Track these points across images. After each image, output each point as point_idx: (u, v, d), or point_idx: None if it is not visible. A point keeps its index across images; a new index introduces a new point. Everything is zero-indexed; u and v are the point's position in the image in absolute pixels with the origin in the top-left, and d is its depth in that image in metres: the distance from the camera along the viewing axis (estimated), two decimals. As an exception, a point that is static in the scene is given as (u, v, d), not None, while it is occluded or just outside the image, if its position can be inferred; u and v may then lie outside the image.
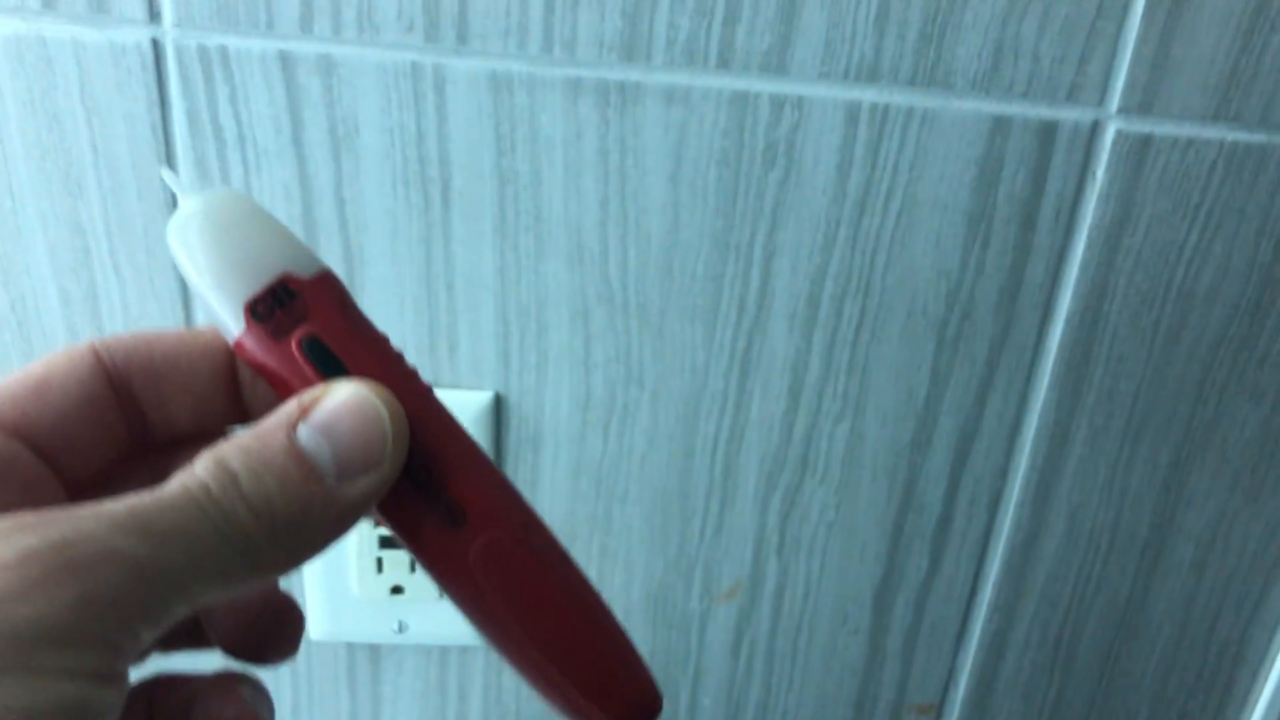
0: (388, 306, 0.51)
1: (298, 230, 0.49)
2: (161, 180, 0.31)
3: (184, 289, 0.51)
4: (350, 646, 0.60)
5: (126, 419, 0.26)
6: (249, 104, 0.47)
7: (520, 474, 0.55)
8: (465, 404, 0.53)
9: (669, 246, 0.49)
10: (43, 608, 0.18)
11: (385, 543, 0.56)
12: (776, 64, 0.45)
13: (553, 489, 0.56)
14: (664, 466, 0.55)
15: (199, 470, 0.22)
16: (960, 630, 0.59)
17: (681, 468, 0.55)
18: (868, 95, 0.46)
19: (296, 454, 0.22)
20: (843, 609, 0.58)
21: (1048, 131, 0.47)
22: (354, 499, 0.23)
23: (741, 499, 0.55)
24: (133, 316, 0.52)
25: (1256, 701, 0.60)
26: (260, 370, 0.25)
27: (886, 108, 0.46)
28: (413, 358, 0.52)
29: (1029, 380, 0.52)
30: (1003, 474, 0.54)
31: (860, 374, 0.52)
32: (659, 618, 0.59)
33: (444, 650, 0.61)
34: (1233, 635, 0.59)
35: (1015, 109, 0.46)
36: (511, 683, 0.61)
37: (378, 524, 0.25)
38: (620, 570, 0.58)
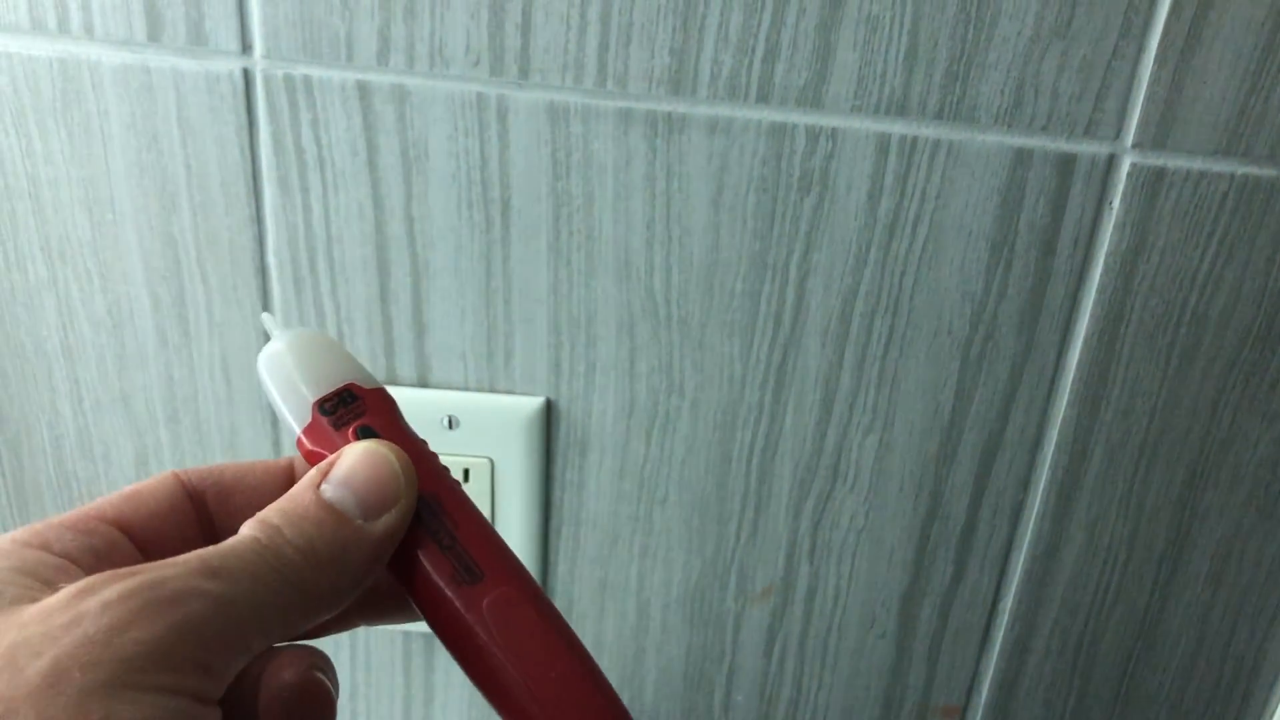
0: (449, 317, 0.55)
1: (370, 245, 0.54)
2: (263, 322, 0.37)
3: (264, 297, 0.56)
4: (406, 634, 0.64)
5: (200, 523, 0.31)
6: (329, 129, 0.51)
7: (568, 475, 0.59)
8: (519, 409, 0.57)
9: (710, 265, 0.53)
10: (145, 635, 0.21)
11: (441, 537, 0.60)
12: (812, 98, 0.49)
13: (598, 490, 0.59)
14: (702, 472, 0.58)
15: (246, 529, 0.26)
16: (983, 636, 0.62)
17: (719, 473, 0.58)
18: (897, 128, 0.50)
19: (325, 505, 0.27)
20: (871, 612, 0.62)
21: (1066, 163, 0.50)
22: (381, 534, 0.27)
23: (775, 505, 0.59)
24: (216, 321, 0.56)
25: (1273, 713, 0.62)
26: (317, 459, 0.30)
27: (915, 139, 0.50)
28: (471, 366, 0.56)
29: (1049, 397, 0.55)
30: (1024, 486, 0.57)
31: (889, 388, 0.55)
32: (695, 616, 0.62)
33: (493, 642, 0.64)
34: (1249, 647, 0.61)
35: (1036, 142, 0.50)
36: (556, 675, 0.65)
37: (401, 585, 0.29)
38: (660, 569, 0.61)
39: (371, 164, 0.52)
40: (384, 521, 0.27)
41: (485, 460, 0.58)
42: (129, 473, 0.61)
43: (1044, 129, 0.50)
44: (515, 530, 0.60)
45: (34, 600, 0.22)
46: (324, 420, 0.29)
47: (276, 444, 0.59)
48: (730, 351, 0.55)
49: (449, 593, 0.27)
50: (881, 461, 0.57)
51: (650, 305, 0.54)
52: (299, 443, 0.30)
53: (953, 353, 0.54)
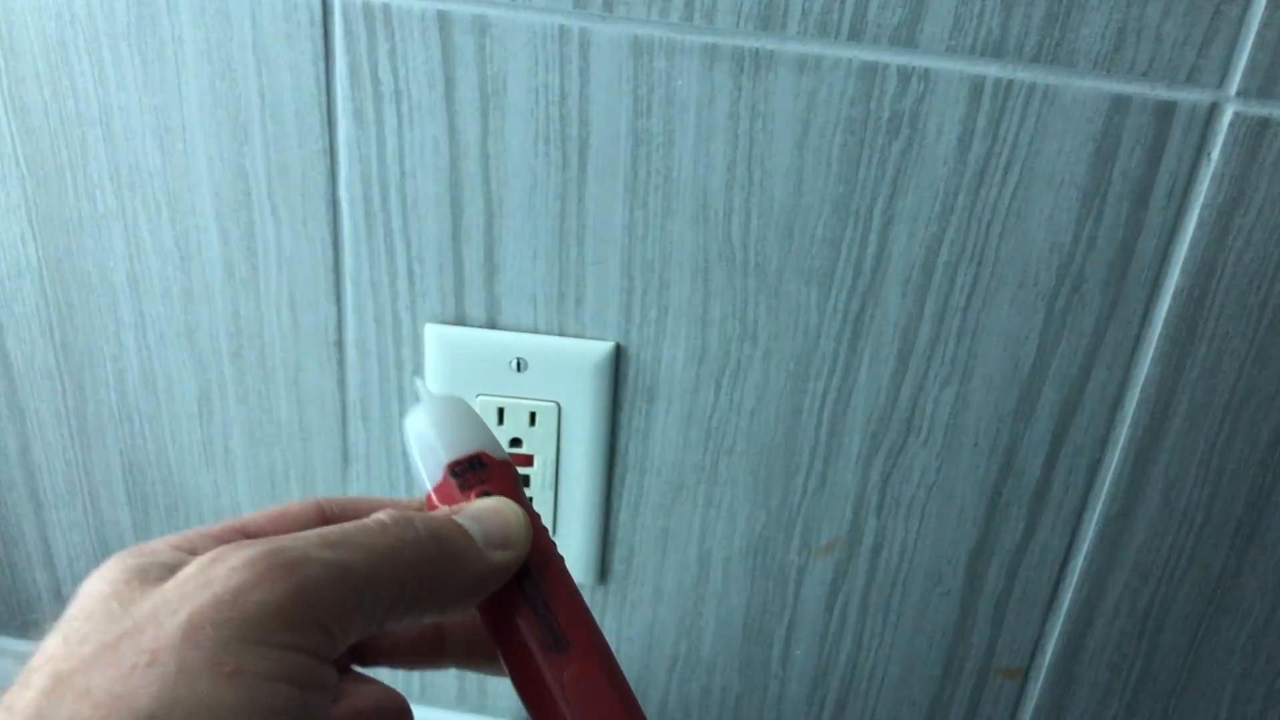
0: (521, 258, 0.54)
1: (443, 182, 0.53)
2: (415, 382, 0.39)
3: (334, 234, 0.55)
4: (464, 579, 0.64)
5: None
6: (407, 60, 0.50)
7: (634, 422, 0.58)
8: (588, 353, 0.56)
9: (790, 209, 0.52)
10: (267, 596, 0.23)
11: (504, 481, 0.59)
12: (906, 37, 0.48)
13: (664, 438, 0.58)
14: (772, 422, 0.57)
15: (376, 515, 0.29)
16: (1050, 597, 0.61)
17: (789, 424, 0.57)
18: (992, 70, 0.48)
19: (456, 522, 0.29)
20: (937, 570, 0.61)
21: (1165, 112, 0.48)
22: (495, 564, 0.29)
23: (845, 458, 0.58)
24: (285, 256, 0.56)
25: (1343, 685, 0.61)
26: None
27: (1010, 83, 0.48)
28: (541, 308, 0.55)
29: (1133, 354, 0.54)
30: (1102, 444, 0.56)
31: (969, 341, 0.54)
32: (758, 568, 0.62)
33: (551, 588, 0.64)
34: (1323, 618, 0.60)
35: (1135, 88, 0.48)
36: (614, 623, 0.65)
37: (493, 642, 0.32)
38: (723, 520, 0.60)
39: (449, 97, 0.51)
40: (499, 556, 0.29)
41: (552, 404, 0.57)
42: (190, 407, 0.61)
43: (1144, 75, 0.48)
44: (578, 476, 0.59)
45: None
46: (453, 481, 0.32)
47: (342, 383, 0.59)
48: (807, 299, 0.54)
49: (537, 657, 0.30)
50: (957, 416, 0.56)
51: (727, 250, 0.53)
52: (428, 498, 0.33)
53: (1037, 305, 0.53)
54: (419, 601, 0.28)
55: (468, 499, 0.31)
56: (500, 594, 0.30)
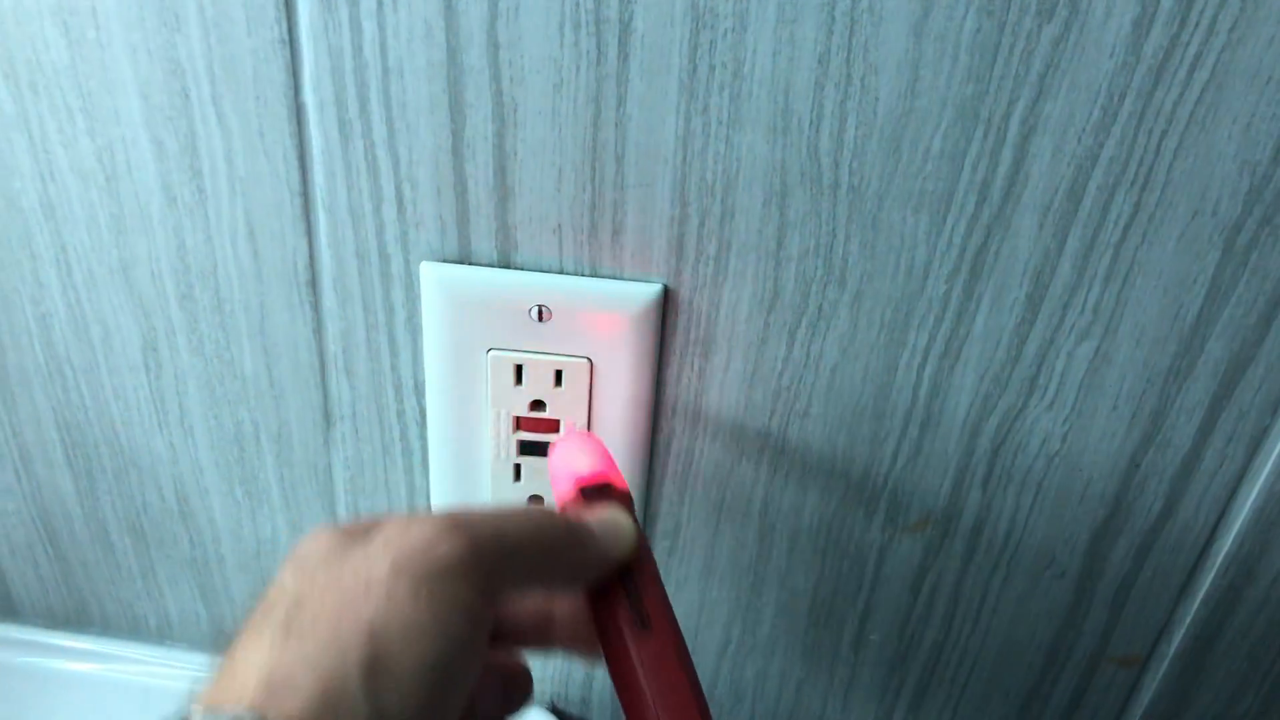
0: (542, 178, 0.42)
1: (439, 80, 0.40)
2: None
3: (299, 147, 0.42)
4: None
5: None
6: (386, -84, 0.37)
7: (684, 379, 0.47)
8: (627, 298, 0.44)
9: (900, 115, 0.39)
10: (451, 549, 0.29)
11: (524, 449, 0.48)
12: (1077, -121, 0.34)
13: (721, 398, 0.47)
14: (858, 381, 0.46)
15: (527, 504, 0.39)
16: (1186, 581, 0.50)
17: (880, 383, 0.46)
18: (1191, -74, 0.35)
19: (584, 520, 0.35)
20: (1050, 551, 0.50)
21: None
22: (608, 555, 0.36)
23: (948, 423, 0.46)
24: (238, 175, 0.43)
25: None
26: None
27: (1213, -56, 0.35)
28: (568, 242, 0.43)
29: (1332, 301, 0.42)
30: (1273, 410, 0.45)
31: (1120, 284, 0.42)
32: (830, 546, 0.51)
33: (580, 566, 0.53)
34: None
35: (1385, -50, 0.35)
36: (653, 603, 0.54)
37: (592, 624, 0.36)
38: (791, 492, 0.49)
39: (444, -34, 0.38)
40: (609, 545, 0.36)
41: (582, 360, 0.46)
42: (134, 358, 0.49)
43: (1400, -69, 0.35)
44: (614, 444, 0.48)
45: None
46: (581, 499, 0.38)
47: (319, 331, 0.47)
48: (914, 231, 0.42)
49: (625, 634, 0.35)
50: (1094, 374, 0.45)
51: (812, 168, 0.41)
52: (562, 507, 0.39)
53: (1213, 240, 0.41)
54: (553, 573, 0.34)
55: (590, 513, 0.37)
56: (606, 582, 0.36)
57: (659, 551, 0.52)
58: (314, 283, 0.46)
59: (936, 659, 0.55)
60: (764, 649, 0.56)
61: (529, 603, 0.38)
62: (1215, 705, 0.55)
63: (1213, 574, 0.50)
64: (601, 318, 0.45)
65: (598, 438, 0.41)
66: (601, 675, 0.58)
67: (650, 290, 0.44)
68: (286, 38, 0.40)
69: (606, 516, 0.36)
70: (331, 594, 0.28)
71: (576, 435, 0.42)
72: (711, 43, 0.38)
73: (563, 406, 0.47)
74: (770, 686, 0.57)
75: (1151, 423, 0.46)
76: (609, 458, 0.41)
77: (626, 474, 0.49)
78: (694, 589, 0.54)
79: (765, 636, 0.55)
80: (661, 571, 0.53)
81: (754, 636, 0.55)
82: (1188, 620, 0.52)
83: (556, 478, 0.40)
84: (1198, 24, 0.36)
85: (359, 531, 0.31)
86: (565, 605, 0.38)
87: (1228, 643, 0.52)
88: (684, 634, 0.56)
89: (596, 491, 0.39)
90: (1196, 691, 0.54)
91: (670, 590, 0.54)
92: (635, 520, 0.38)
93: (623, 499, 0.39)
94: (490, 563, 0.30)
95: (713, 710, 0.59)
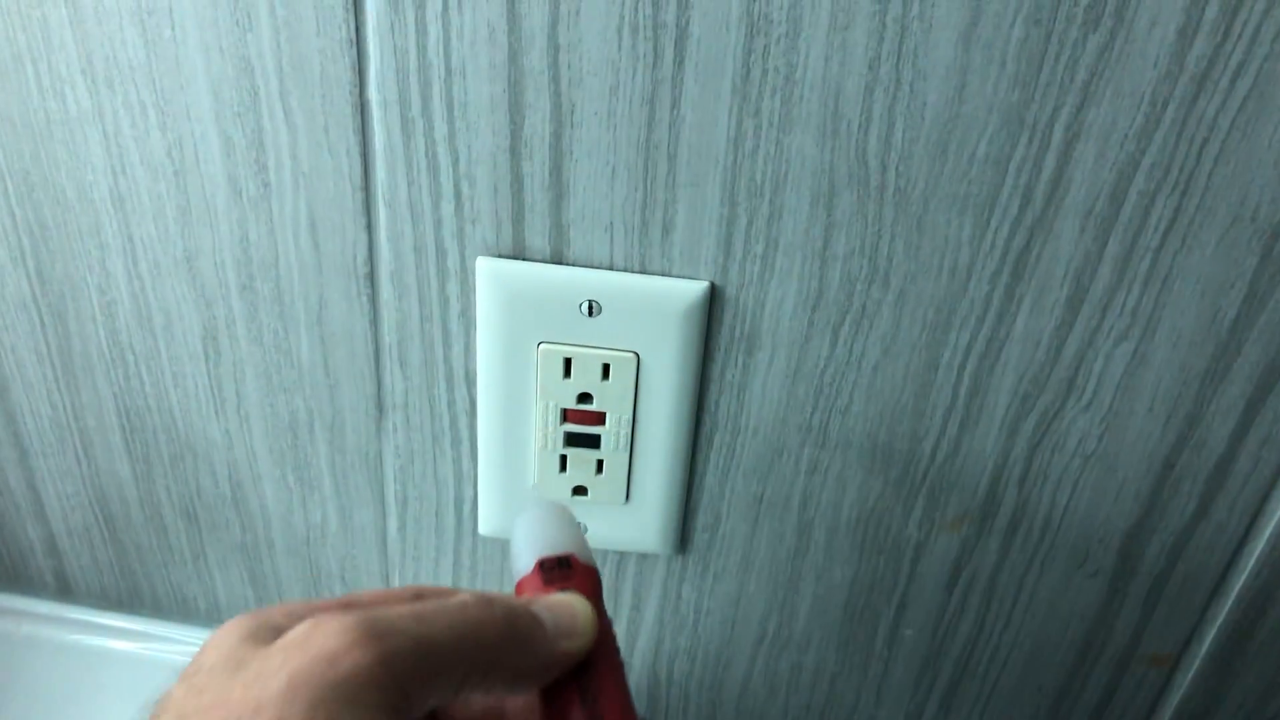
0: (596, 177, 0.43)
1: (500, 81, 0.41)
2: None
3: (363, 144, 0.44)
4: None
5: None
6: (454, -78, 0.38)
7: (729, 375, 0.48)
8: (675, 295, 0.45)
9: (947, 120, 0.40)
10: (359, 661, 0.26)
11: (570, 440, 0.49)
12: (1125, -107, 0.36)
13: (764, 394, 0.48)
14: (899, 379, 0.47)
15: (461, 594, 0.31)
16: (1219, 580, 0.51)
17: (920, 381, 0.47)
18: (1236, -61, 0.36)
19: (530, 610, 0.31)
20: (1084, 549, 0.51)
21: None
22: (563, 650, 0.31)
23: (986, 421, 0.48)
24: (303, 170, 0.45)
25: None
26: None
27: (1257, -43, 0.36)
28: (619, 239, 0.45)
29: (1369, 307, 0.43)
30: (1308, 413, 0.46)
31: (1158, 287, 0.43)
32: (868, 542, 0.52)
33: (622, 556, 0.55)
34: None
35: None
36: (691, 594, 0.56)
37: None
38: (830, 488, 0.51)
39: (509, -29, 0.39)
40: (565, 644, 0.31)
41: (630, 355, 0.47)
42: (194, 347, 0.51)
43: None
44: (658, 437, 0.49)
45: None
46: (540, 576, 0.34)
47: (375, 322, 0.49)
48: (958, 233, 0.43)
49: None
50: (1131, 376, 0.46)
51: (859, 170, 0.42)
52: (517, 586, 0.35)
53: (1251, 246, 0.42)
54: (490, 676, 0.29)
55: (548, 592, 0.34)
56: (559, 679, 0.32)
57: (698, 547, 0.54)
58: (372, 275, 0.47)
59: (969, 655, 0.56)
60: (799, 643, 0.57)
61: (476, 701, 0.35)
62: (1246, 705, 0.55)
63: (1245, 574, 0.51)
64: (649, 313, 0.46)
65: (566, 506, 0.38)
66: None
67: (697, 287, 0.45)
68: (354, 38, 0.41)
69: (561, 602, 0.32)
70: (217, 715, 0.25)
71: (542, 504, 0.38)
72: (765, 48, 0.40)
73: (609, 399, 0.48)
74: (804, 680, 0.58)
75: (1187, 424, 0.47)
76: (576, 529, 0.37)
77: (666, 466, 0.50)
78: (732, 582, 0.55)
79: (801, 630, 0.56)
80: (700, 564, 0.54)
81: (789, 630, 0.56)
82: (1219, 620, 0.52)
83: (518, 552, 0.36)
84: (1240, 35, 0.37)
85: (267, 632, 0.28)
86: (518, 703, 0.35)
87: (1259, 643, 0.53)
88: (722, 627, 0.58)
89: (557, 566, 0.35)
90: (1227, 691, 0.55)
91: (707, 583, 0.55)
92: (599, 604, 0.34)
93: (586, 577, 0.35)
94: (407, 674, 0.27)
95: (746, 703, 0.60)
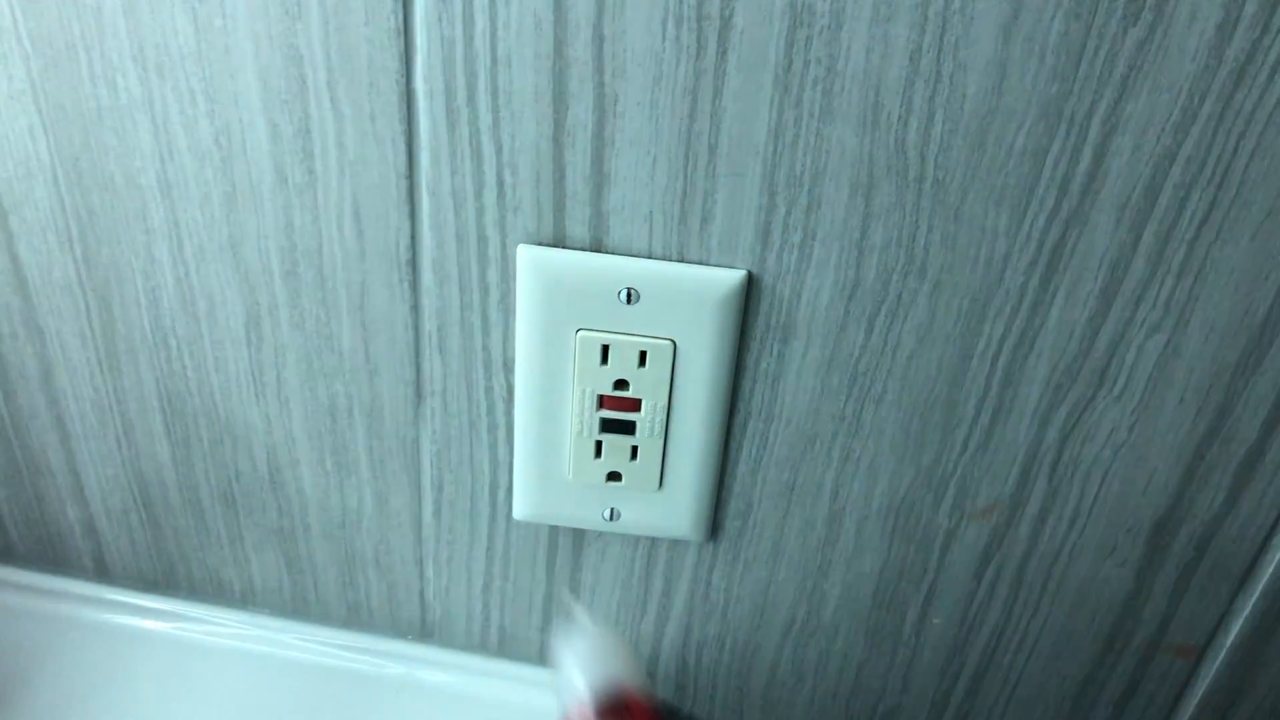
0: (637, 167, 0.44)
1: (545, 72, 0.42)
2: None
3: (408, 133, 0.45)
4: (554, 530, 0.55)
5: None
6: (504, -86, 0.39)
7: (764, 364, 0.49)
8: (712, 283, 0.46)
9: (986, 113, 0.41)
10: None
11: (606, 426, 0.50)
12: (1167, -111, 0.36)
13: (798, 383, 0.49)
14: (934, 368, 0.47)
15: None
16: (1247, 572, 0.52)
17: (954, 371, 0.47)
18: (1276, -65, 0.37)
19: None
20: (1113, 539, 0.51)
21: None
22: None
23: (1018, 411, 0.48)
24: (349, 158, 0.46)
25: None
26: None
27: (1297, -48, 0.37)
28: (659, 228, 0.45)
29: (1401, 301, 0.43)
30: (1338, 406, 0.46)
31: (1192, 280, 0.44)
32: (899, 530, 0.53)
33: (654, 542, 0.55)
34: None
35: None
36: (721, 581, 0.56)
37: None
38: (862, 477, 0.51)
39: (556, -37, 0.40)
40: None
41: (666, 342, 0.48)
42: (237, 332, 0.52)
43: None
44: (692, 424, 0.50)
45: None
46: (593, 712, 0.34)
47: (416, 309, 0.49)
48: (995, 224, 0.43)
49: None
50: (1163, 368, 0.46)
51: (898, 161, 0.42)
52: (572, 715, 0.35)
53: (1285, 239, 0.42)
54: None
55: None
56: None
57: (729, 534, 0.54)
58: (414, 263, 0.48)
59: (996, 643, 0.56)
60: (828, 630, 0.57)
61: None
62: (1271, 697, 0.56)
63: (1273, 566, 0.51)
64: (687, 302, 0.46)
65: (618, 635, 0.36)
66: None
67: (735, 276, 0.46)
68: (401, 28, 0.42)
69: None
70: None
71: (591, 633, 0.37)
72: (808, 39, 0.40)
73: (645, 386, 0.49)
74: (832, 666, 0.59)
75: (1217, 416, 0.47)
76: (630, 660, 0.36)
77: (700, 453, 0.51)
78: (762, 569, 0.55)
79: (829, 618, 0.57)
80: (731, 551, 0.55)
81: (818, 618, 0.57)
82: (1246, 612, 0.53)
83: (567, 684, 0.35)
84: None
85: None
86: None
87: (1284, 635, 0.53)
88: (751, 614, 0.58)
89: (613, 713, 0.34)
90: (1253, 683, 0.55)
91: (737, 571, 0.56)
92: None
93: (645, 717, 0.34)
94: None
95: (774, 690, 0.61)
